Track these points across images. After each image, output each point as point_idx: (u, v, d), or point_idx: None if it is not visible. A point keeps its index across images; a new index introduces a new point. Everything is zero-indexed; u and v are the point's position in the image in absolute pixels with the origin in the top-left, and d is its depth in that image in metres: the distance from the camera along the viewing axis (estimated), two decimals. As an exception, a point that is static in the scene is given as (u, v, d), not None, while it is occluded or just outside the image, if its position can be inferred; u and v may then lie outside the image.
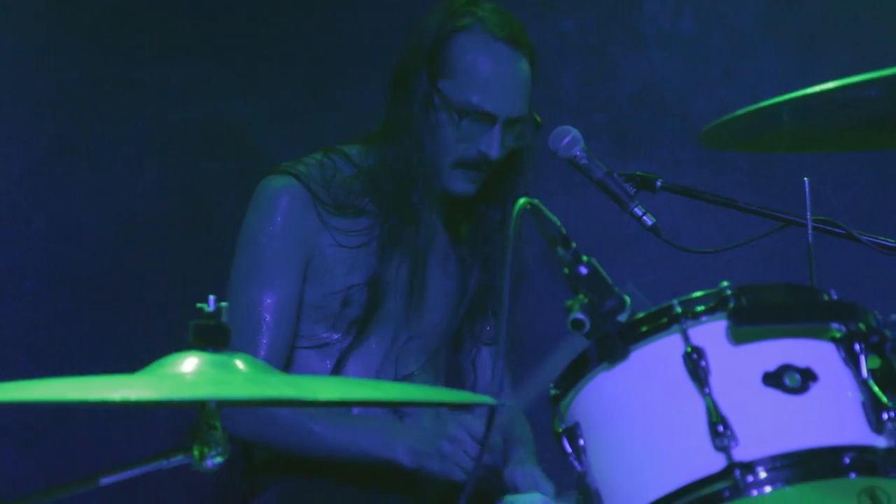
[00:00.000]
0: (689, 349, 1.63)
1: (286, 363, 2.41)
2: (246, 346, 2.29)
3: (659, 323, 1.66)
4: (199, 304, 1.60)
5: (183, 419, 2.89)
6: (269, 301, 2.38)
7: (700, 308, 1.65)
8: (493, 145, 2.37)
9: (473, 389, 2.55)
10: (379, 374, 2.45)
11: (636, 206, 2.32)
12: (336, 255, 2.42)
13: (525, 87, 2.41)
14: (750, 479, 1.57)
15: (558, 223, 1.71)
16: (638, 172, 2.35)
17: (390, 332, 2.46)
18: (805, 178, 1.90)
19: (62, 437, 2.96)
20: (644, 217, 2.31)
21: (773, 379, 1.61)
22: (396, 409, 2.42)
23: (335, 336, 2.44)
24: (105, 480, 1.57)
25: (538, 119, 2.44)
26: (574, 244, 1.69)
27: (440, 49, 2.37)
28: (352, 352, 2.45)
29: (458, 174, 2.41)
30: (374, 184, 2.43)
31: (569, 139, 2.34)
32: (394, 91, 2.44)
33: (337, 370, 2.43)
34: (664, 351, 1.65)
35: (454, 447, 2.24)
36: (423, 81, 2.38)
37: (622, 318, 1.67)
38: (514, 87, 2.39)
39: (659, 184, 2.34)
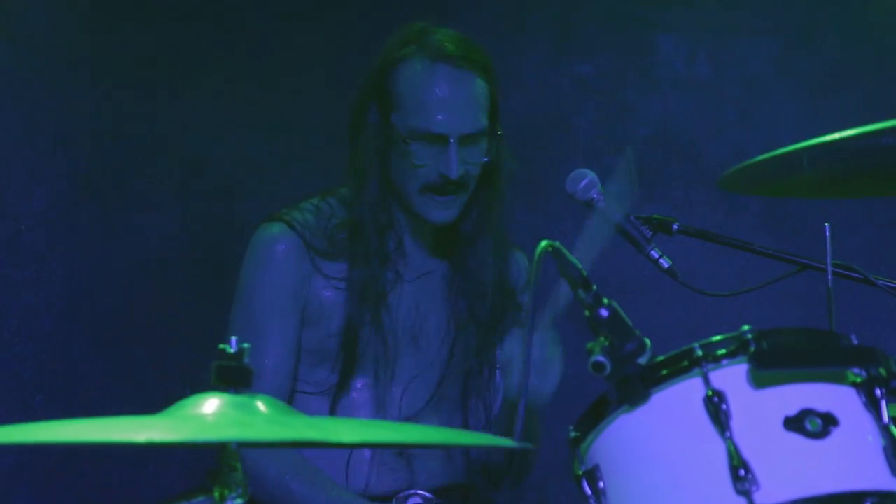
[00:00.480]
0: (710, 392, 1.63)
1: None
2: None
3: (680, 366, 1.66)
4: (221, 346, 1.60)
5: (198, 459, 2.90)
6: (266, 348, 2.39)
7: (721, 352, 1.66)
8: (450, 165, 2.34)
9: (490, 413, 2.52)
10: (384, 417, 2.44)
11: (653, 248, 2.33)
12: (331, 299, 2.43)
13: (476, 102, 2.37)
14: (771, 523, 1.57)
15: (579, 266, 1.72)
16: (654, 215, 2.36)
17: (399, 376, 2.46)
18: (826, 224, 1.91)
19: (78, 476, 2.95)
20: (661, 260, 2.32)
21: (794, 423, 1.62)
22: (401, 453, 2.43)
23: (335, 379, 2.44)
24: (125, 522, 1.57)
25: (500, 131, 2.41)
26: (595, 287, 1.70)
27: (384, 83, 2.38)
28: (349, 395, 2.44)
29: (427, 200, 2.38)
30: (349, 228, 2.43)
31: (586, 182, 2.35)
32: (350, 130, 2.45)
33: (334, 414, 2.42)
34: (685, 394, 1.66)
35: None
36: (374, 117, 2.39)
37: (643, 360, 1.68)
38: (460, 104, 2.36)
39: (675, 227, 2.35)
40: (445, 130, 2.35)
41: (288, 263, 2.41)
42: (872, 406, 1.65)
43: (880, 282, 2.17)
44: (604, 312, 1.69)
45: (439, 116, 2.34)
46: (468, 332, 2.49)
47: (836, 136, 1.77)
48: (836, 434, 1.62)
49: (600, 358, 1.67)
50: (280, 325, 2.41)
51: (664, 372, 1.67)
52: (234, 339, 1.60)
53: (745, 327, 1.66)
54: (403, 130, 2.36)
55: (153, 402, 1.61)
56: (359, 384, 2.44)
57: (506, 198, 2.47)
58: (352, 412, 2.43)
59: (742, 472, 1.58)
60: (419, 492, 2.44)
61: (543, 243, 1.72)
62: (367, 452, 2.39)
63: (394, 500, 2.43)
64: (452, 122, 2.35)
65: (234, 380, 1.58)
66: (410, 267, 2.47)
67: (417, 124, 2.35)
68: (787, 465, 1.60)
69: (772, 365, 1.64)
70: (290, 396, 2.44)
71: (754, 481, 1.58)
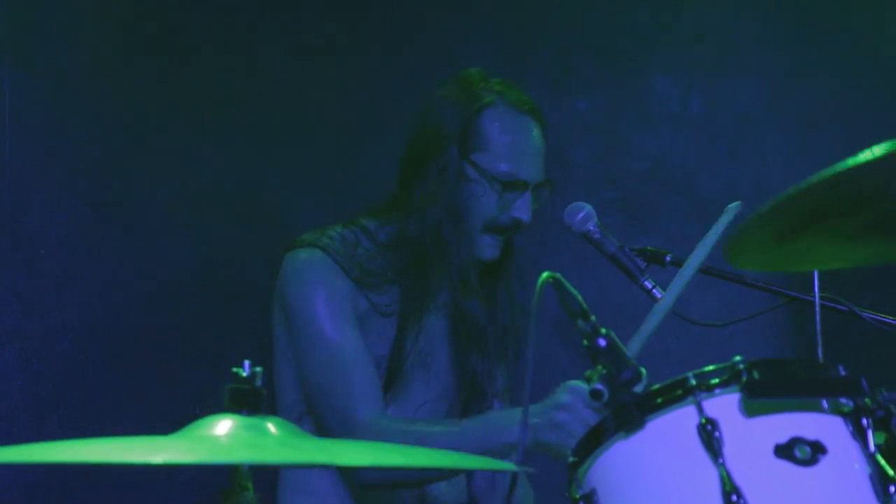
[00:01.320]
0: (704, 420, 1.67)
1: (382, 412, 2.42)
2: (340, 407, 2.34)
3: (674, 395, 1.70)
4: (234, 368, 1.65)
5: (207, 476, 2.92)
6: (346, 349, 2.40)
7: (714, 381, 1.69)
8: (526, 211, 2.48)
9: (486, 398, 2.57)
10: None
11: (646, 279, 2.38)
12: (369, 323, 2.47)
13: (544, 154, 2.53)
14: (762, 547, 1.61)
15: (579, 297, 1.76)
16: (648, 247, 2.41)
17: (408, 400, 2.51)
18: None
19: (90, 493, 2.96)
20: (654, 290, 2.37)
21: (785, 451, 1.65)
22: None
23: None
24: (141, 539, 1.60)
25: (551, 182, 2.54)
26: (593, 317, 1.75)
27: (469, 125, 2.47)
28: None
29: (488, 240, 2.50)
30: (397, 256, 2.49)
31: (583, 214, 2.41)
32: (414, 167, 2.52)
33: None
34: (679, 422, 1.69)
35: (567, 414, 2.21)
36: (453, 156, 2.47)
37: (638, 389, 1.71)
38: (539, 155, 2.51)
39: (668, 259, 2.40)
40: (527, 177, 2.48)
41: (334, 280, 2.45)
42: (859, 435, 1.69)
43: (865, 314, 2.22)
44: (602, 342, 1.73)
45: (524, 164, 2.48)
46: (472, 362, 2.56)
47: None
48: (825, 462, 1.65)
49: (598, 386, 1.71)
50: (351, 328, 2.42)
51: (659, 400, 1.70)
52: (247, 362, 1.64)
53: (738, 358, 1.70)
54: (491, 171, 2.46)
55: (166, 422, 1.64)
56: (387, 408, 2.49)
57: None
58: None
59: (734, 497, 1.61)
60: None
61: (545, 274, 1.76)
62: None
63: None
64: (533, 170, 2.49)
65: (247, 402, 1.63)
66: (440, 299, 2.53)
67: (506, 168, 2.46)
68: (777, 491, 1.64)
69: (763, 394, 1.67)
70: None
71: (746, 507, 1.61)
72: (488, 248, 2.50)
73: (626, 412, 1.71)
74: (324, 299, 2.44)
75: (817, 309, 1.97)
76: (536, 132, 2.51)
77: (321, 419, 2.42)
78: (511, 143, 2.47)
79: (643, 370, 1.73)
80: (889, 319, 2.26)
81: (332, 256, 2.46)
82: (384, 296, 2.48)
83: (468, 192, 2.47)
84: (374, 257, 2.49)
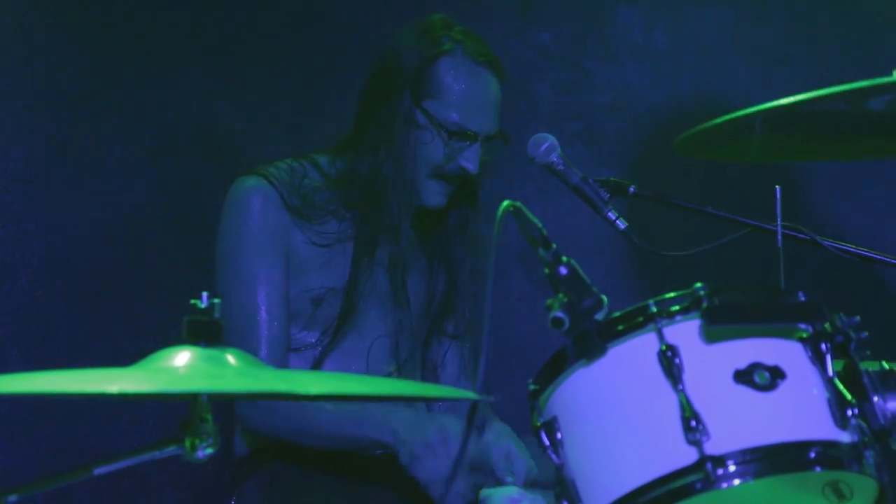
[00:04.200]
0: (664, 347, 1.68)
1: (285, 357, 2.47)
2: (244, 344, 2.34)
3: (635, 322, 1.71)
4: (192, 301, 1.64)
5: (170, 412, 2.92)
6: (259, 296, 2.44)
7: (674, 308, 1.70)
8: (474, 161, 2.49)
9: (439, 383, 2.61)
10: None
11: (610, 210, 2.38)
12: (308, 254, 2.49)
13: (499, 107, 2.53)
14: (720, 472, 1.62)
15: (540, 225, 1.76)
16: (611, 178, 2.41)
17: (363, 335, 2.53)
18: (777, 186, 1.96)
19: (52, 429, 2.98)
20: (617, 221, 2.37)
21: (744, 376, 1.66)
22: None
23: (310, 339, 2.50)
24: (99, 470, 1.60)
25: (506, 136, 2.55)
26: (554, 245, 1.74)
27: (423, 72, 2.47)
28: (327, 354, 2.51)
29: (435, 186, 2.51)
30: (344, 191, 2.51)
31: (546, 146, 2.41)
32: (369, 107, 2.53)
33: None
34: (640, 349, 1.70)
35: (439, 438, 2.30)
36: (405, 100, 2.48)
37: (600, 316, 1.71)
38: (492, 107, 2.51)
39: (632, 190, 2.40)
40: (478, 129, 2.49)
41: (267, 212, 2.47)
42: (818, 360, 1.70)
43: (826, 242, 2.24)
44: (563, 270, 1.72)
45: (475, 115, 2.48)
46: (441, 300, 2.60)
47: (789, 100, 1.82)
48: (784, 387, 1.67)
49: (559, 314, 1.70)
50: (270, 270, 2.46)
51: (620, 327, 1.71)
52: (205, 294, 1.64)
53: (698, 284, 1.70)
54: (440, 119, 2.46)
55: (127, 357, 1.64)
56: (340, 344, 2.51)
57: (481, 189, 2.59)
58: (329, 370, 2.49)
59: (693, 423, 1.63)
60: None
61: (505, 203, 1.76)
62: None
63: None
64: (484, 122, 2.50)
65: (205, 334, 1.62)
66: (402, 240, 2.53)
67: (456, 118, 2.47)
68: (736, 416, 1.65)
69: (723, 320, 1.68)
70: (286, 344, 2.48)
71: (705, 432, 1.63)
72: (435, 195, 2.52)
73: (587, 339, 1.71)
74: (252, 232, 2.46)
75: (779, 236, 1.98)
76: (492, 84, 2.51)
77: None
78: (464, 92, 2.47)
79: (604, 298, 1.73)
80: (849, 247, 2.27)
81: (275, 186, 2.48)
82: (327, 227, 2.50)
83: (416, 137, 2.48)
84: (320, 190, 2.51)
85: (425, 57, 2.47)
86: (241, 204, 2.48)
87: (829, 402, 1.69)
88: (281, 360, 2.44)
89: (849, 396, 1.69)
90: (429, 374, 2.62)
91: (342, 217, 2.51)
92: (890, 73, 2.01)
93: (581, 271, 1.73)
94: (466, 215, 2.59)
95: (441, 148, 2.48)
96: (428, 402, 2.54)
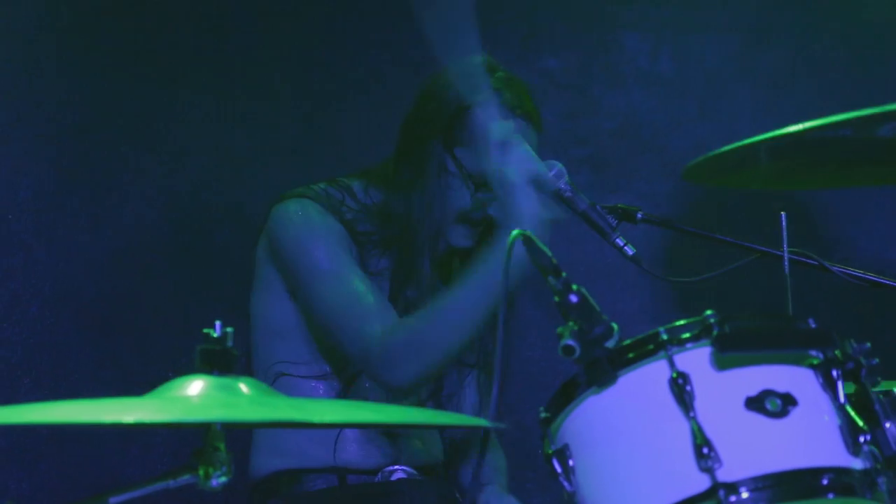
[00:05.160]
0: (675, 374, 1.68)
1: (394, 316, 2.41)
2: (357, 325, 2.33)
3: (646, 349, 1.71)
4: (205, 330, 1.64)
5: (181, 439, 2.92)
6: (349, 275, 2.41)
7: (685, 335, 1.71)
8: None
9: (460, 412, 2.60)
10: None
11: (618, 236, 2.38)
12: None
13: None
14: (733, 499, 1.62)
15: (549, 254, 1.76)
16: (619, 205, 2.42)
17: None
18: (782, 213, 1.97)
19: (63, 457, 2.97)
20: (625, 247, 2.37)
21: (755, 403, 1.67)
22: None
23: (338, 367, 2.50)
24: (114, 500, 1.60)
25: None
26: (565, 274, 1.74)
27: (459, 118, 2.46)
28: (353, 383, 2.51)
29: (461, 230, 2.51)
30: (380, 225, 2.50)
31: (554, 172, 2.42)
32: (406, 143, 2.53)
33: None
34: (651, 376, 1.71)
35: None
36: (438, 145, 2.47)
37: (610, 344, 1.72)
38: None
39: (639, 216, 2.41)
40: None
41: (328, 220, 2.46)
42: (829, 386, 1.71)
43: (834, 268, 2.24)
44: (573, 298, 1.72)
45: None
46: None
47: (793, 128, 1.83)
48: (795, 413, 1.67)
49: (570, 341, 1.70)
50: (346, 260, 2.43)
51: (631, 355, 1.71)
52: (218, 322, 1.64)
53: (709, 311, 1.71)
54: (470, 169, 2.46)
55: (137, 385, 1.64)
56: (361, 377, 2.51)
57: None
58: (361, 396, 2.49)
59: (706, 450, 1.63)
60: (403, 467, 2.51)
61: (516, 232, 1.77)
62: (354, 430, 2.45)
63: (379, 474, 2.50)
64: None
65: (218, 363, 1.63)
66: (422, 286, 2.52)
67: (484, 168, 2.40)
68: (748, 443, 1.66)
69: (734, 347, 1.69)
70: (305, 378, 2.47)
71: (717, 459, 1.63)
72: (461, 237, 2.51)
73: (598, 367, 1.71)
74: (322, 237, 2.45)
75: (786, 262, 1.98)
76: (527, 136, 2.46)
77: (342, 347, 2.40)
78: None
79: (615, 325, 1.73)
80: (857, 273, 2.28)
81: (322, 204, 2.48)
82: (371, 257, 2.51)
83: (446, 182, 2.48)
84: (360, 220, 2.51)
85: (461, 104, 2.46)
86: (297, 218, 2.46)
87: (841, 428, 1.69)
88: (394, 323, 2.36)
89: (861, 423, 1.69)
90: (451, 405, 2.61)
91: (379, 251, 2.51)
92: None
93: (591, 299, 1.73)
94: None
95: (468, 195, 2.48)
96: (441, 429, 2.54)
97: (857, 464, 1.68)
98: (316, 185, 2.53)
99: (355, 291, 2.39)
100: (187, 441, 1.64)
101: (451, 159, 2.48)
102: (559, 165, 2.43)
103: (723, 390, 1.69)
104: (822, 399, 1.71)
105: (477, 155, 2.43)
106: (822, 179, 2.15)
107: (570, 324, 1.72)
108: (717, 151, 1.94)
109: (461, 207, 2.48)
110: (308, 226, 2.46)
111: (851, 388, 1.73)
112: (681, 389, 1.68)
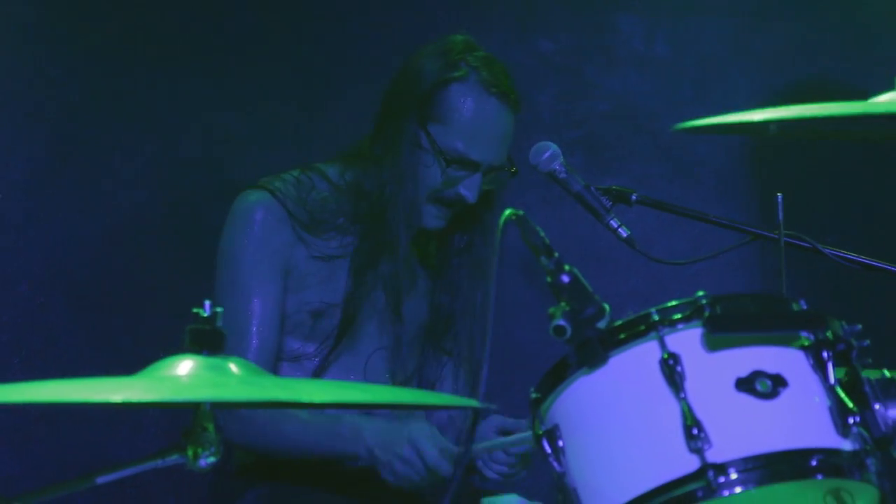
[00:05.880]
0: (666, 355, 1.68)
1: (273, 370, 2.47)
2: (233, 353, 2.34)
3: (637, 330, 1.71)
4: (194, 309, 1.64)
5: (171, 420, 2.93)
6: (251, 310, 2.45)
7: (676, 316, 1.70)
8: (473, 191, 2.47)
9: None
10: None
11: (612, 218, 2.38)
12: (310, 268, 2.49)
13: (508, 139, 2.51)
14: (722, 479, 1.62)
15: (542, 234, 1.76)
16: (614, 186, 2.42)
17: (360, 349, 2.54)
18: (779, 194, 1.97)
19: (53, 438, 2.99)
20: (619, 229, 2.38)
21: (746, 384, 1.67)
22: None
23: (308, 350, 2.51)
24: (101, 479, 1.60)
25: (514, 168, 2.53)
26: (557, 254, 1.74)
27: (433, 95, 2.46)
28: (326, 367, 2.51)
29: (432, 210, 2.51)
30: (351, 204, 2.51)
31: (549, 154, 2.41)
32: (381, 121, 2.53)
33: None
34: (642, 357, 1.70)
35: (411, 452, 2.32)
36: (412, 121, 2.47)
37: (602, 324, 1.72)
38: (499, 139, 2.49)
39: (634, 197, 2.40)
40: (480, 159, 2.46)
41: (269, 229, 2.47)
42: (820, 368, 1.70)
43: (828, 250, 2.24)
44: (565, 278, 1.72)
45: (479, 145, 2.45)
46: (440, 317, 2.60)
47: (805, 113, 1.81)
48: (785, 394, 1.67)
49: (561, 322, 1.70)
50: (263, 288, 2.46)
51: (622, 335, 1.71)
52: (207, 302, 1.64)
53: (700, 293, 1.71)
54: (442, 146, 2.45)
55: (129, 366, 1.64)
56: (338, 356, 2.51)
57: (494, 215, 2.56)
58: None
59: (695, 430, 1.63)
60: None
61: (508, 212, 1.76)
62: None
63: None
64: (488, 153, 2.47)
65: (208, 342, 1.63)
66: (399, 257, 2.53)
67: (456, 145, 2.45)
68: (738, 424, 1.66)
69: (725, 328, 1.68)
70: (277, 360, 2.49)
71: (707, 440, 1.63)
72: (433, 218, 2.51)
73: (589, 348, 1.71)
74: (251, 247, 2.47)
75: (781, 244, 1.98)
76: (503, 115, 2.47)
77: None
78: (469, 121, 2.45)
79: (606, 306, 1.73)
80: (851, 256, 2.28)
81: (279, 200, 2.48)
82: (332, 241, 2.50)
83: (418, 159, 2.48)
84: (327, 202, 2.51)
85: (437, 80, 2.46)
86: (243, 218, 2.48)
87: (831, 409, 1.69)
88: (269, 371, 2.44)
89: (850, 404, 1.69)
90: (425, 390, 2.62)
91: (346, 231, 2.51)
92: (891, 81, 2.01)
93: (583, 279, 1.73)
94: (471, 239, 2.58)
95: (440, 173, 2.47)
96: (427, 410, 2.55)
97: (847, 445, 1.68)
98: (289, 172, 2.53)
99: (248, 323, 2.43)
100: (177, 421, 1.64)
101: (424, 135, 2.47)
102: (554, 147, 2.43)
103: (713, 371, 1.69)
104: (813, 380, 1.70)
105: (450, 132, 2.44)
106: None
107: (562, 304, 1.72)
108: (718, 121, 1.93)
109: (433, 185, 2.48)
110: (245, 232, 2.47)
111: (842, 370, 1.73)
112: (671, 370, 1.68)
